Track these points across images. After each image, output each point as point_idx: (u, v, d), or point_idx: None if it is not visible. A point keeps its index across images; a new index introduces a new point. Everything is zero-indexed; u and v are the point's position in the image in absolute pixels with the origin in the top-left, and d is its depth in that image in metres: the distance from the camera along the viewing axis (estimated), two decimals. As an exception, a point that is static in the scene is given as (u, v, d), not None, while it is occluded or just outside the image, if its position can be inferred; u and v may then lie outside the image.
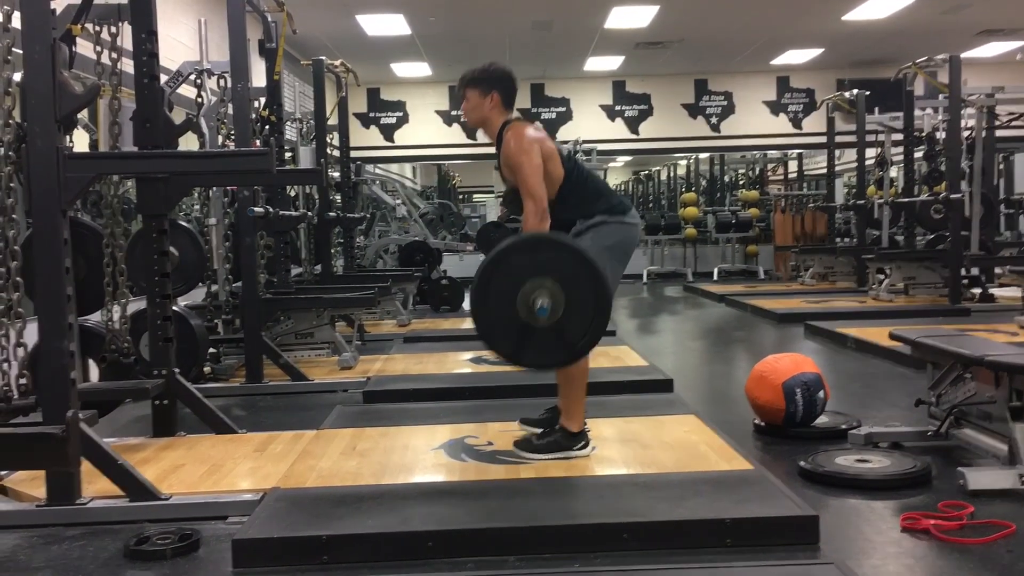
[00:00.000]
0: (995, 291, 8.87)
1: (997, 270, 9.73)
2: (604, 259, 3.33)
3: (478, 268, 3.10)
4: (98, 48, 3.94)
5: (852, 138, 11.20)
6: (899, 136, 9.90)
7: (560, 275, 3.03)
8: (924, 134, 9.82)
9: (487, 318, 3.08)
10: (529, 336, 3.05)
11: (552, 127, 14.43)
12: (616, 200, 3.63)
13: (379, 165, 13.04)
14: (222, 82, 5.75)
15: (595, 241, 3.48)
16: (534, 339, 3.05)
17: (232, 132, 5.54)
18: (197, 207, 6.44)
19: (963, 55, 8.58)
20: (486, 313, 3.08)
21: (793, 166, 16.45)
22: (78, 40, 3.80)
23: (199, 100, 5.71)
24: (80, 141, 5.13)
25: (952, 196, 8.26)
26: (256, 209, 5.30)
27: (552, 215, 3.47)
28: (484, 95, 3.59)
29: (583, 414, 3.52)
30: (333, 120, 8.65)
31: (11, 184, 3.17)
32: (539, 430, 3.63)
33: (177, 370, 4.03)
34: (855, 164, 11.19)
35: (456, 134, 14.50)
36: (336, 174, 9.03)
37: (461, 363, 5.98)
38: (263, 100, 6.11)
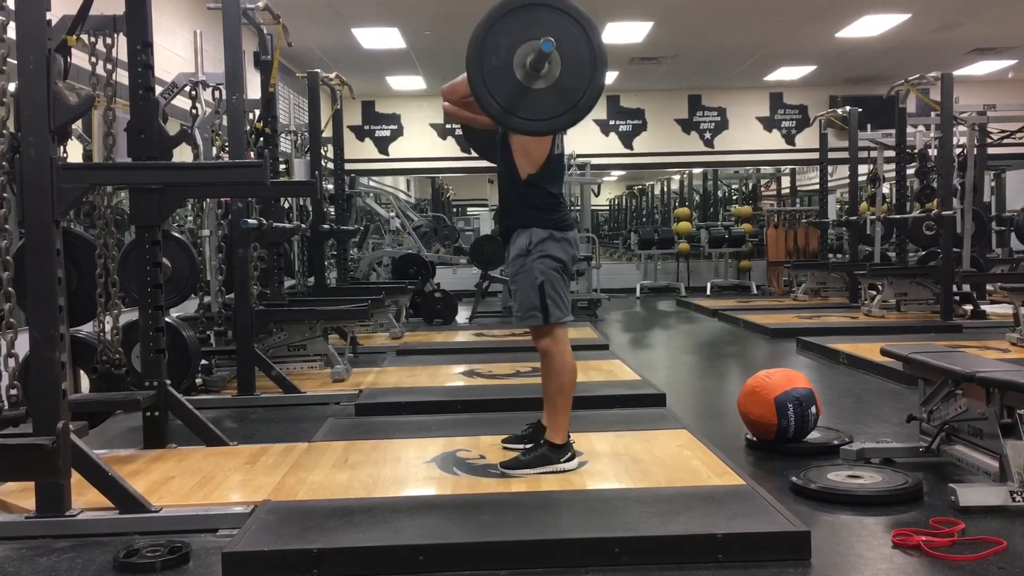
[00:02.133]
0: (987, 308, 8.91)
1: (989, 287, 9.77)
2: (556, 281, 3.45)
3: (476, 27, 3.02)
4: (93, 59, 3.94)
5: (845, 154, 11.24)
6: (891, 153, 9.95)
7: (555, 33, 2.97)
8: (916, 151, 9.87)
9: (480, 77, 3.00)
10: (525, 96, 3.00)
11: (546, 141, 14.44)
12: (565, 214, 3.64)
13: (373, 177, 13.07)
14: (217, 94, 5.75)
15: (544, 261, 3.48)
16: (531, 100, 3.00)
17: (226, 144, 5.55)
18: (191, 218, 6.44)
19: (955, 73, 8.64)
20: (481, 71, 3.00)
21: (786, 182, 16.51)
22: (73, 51, 3.80)
23: (194, 112, 5.71)
24: (74, 152, 5.13)
25: (944, 213, 8.30)
26: (250, 221, 5.31)
27: (512, 198, 3.52)
28: None
29: (567, 427, 3.51)
30: (328, 132, 8.66)
31: (4, 194, 3.16)
32: (523, 447, 3.63)
33: (168, 382, 4.01)
34: (847, 180, 11.23)
35: (450, 147, 14.53)
36: (330, 186, 9.04)
37: (454, 376, 5.98)
38: (258, 112, 6.13)
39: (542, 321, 3.49)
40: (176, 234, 5.43)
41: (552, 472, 3.41)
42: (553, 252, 3.50)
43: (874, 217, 10.34)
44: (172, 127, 5.26)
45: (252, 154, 5.68)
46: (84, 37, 3.91)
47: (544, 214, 3.52)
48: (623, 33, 10.83)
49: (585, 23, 3.05)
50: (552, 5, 3.06)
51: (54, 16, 3.20)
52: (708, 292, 13.43)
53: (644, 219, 20.24)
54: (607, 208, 25.77)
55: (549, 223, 3.52)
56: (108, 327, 4.13)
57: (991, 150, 10.55)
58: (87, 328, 4.25)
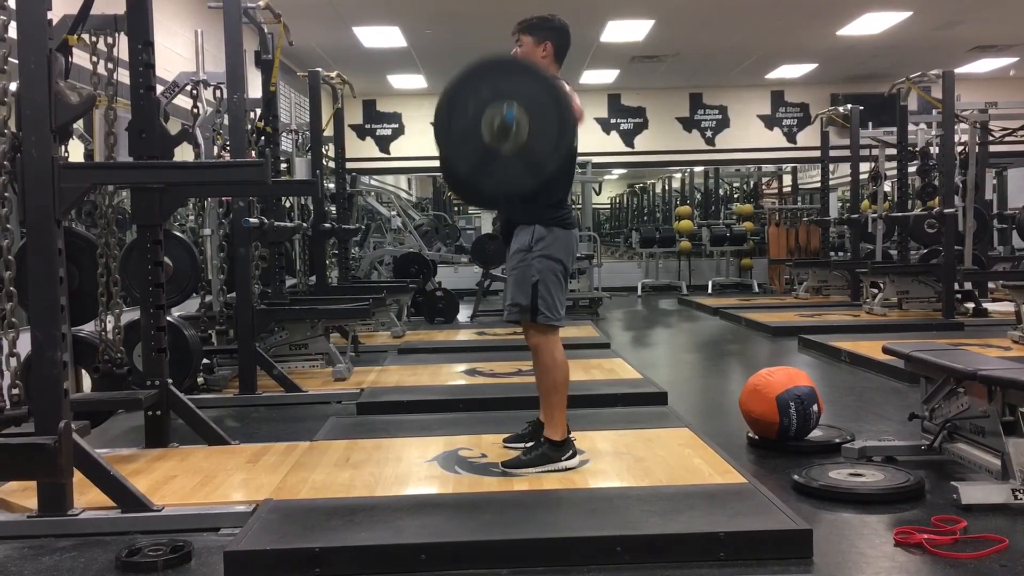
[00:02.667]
0: (988, 306, 8.90)
1: (990, 285, 9.76)
2: (551, 282, 3.46)
3: (444, 88, 3.03)
4: (94, 58, 3.94)
5: (846, 152, 11.23)
6: (893, 151, 9.94)
7: (523, 98, 2.97)
8: (918, 149, 9.86)
9: (448, 140, 3.02)
10: (492, 161, 2.98)
11: (548, 140, 14.45)
12: (568, 212, 3.65)
13: (374, 176, 13.06)
14: (218, 93, 5.76)
15: (545, 260, 3.48)
16: (498, 165, 2.99)
17: (227, 143, 5.55)
18: (192, 217, 6.44)
19: (956, 71, 8.63)
20: (447, 134, 3.01)
21: (787, 180, 16.50)
22: (74, 50, 3.80)
23: (195, 111, 5.72)
24: (75, 151, 5.14)
25: (946, 211, 8.29)
26: (251, 220, 5.30)
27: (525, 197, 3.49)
28: (539, 43, 3.58)
29: (565, 423, 3.51)
30: (329, 131, 8.66)
31: (5, 194, 3.16)
32: (524, 445, 3.63)
33: (170, 381, 4.02)
34: (849, 178, 11.23)
35: (452, 146, 14.51)
36: (331, 185, 9.04)
37: (455, 375, 5.98)
38: (259, 111, 6.13)
39: (528, 319, 3.49)
40: (177, 233, 5.44)
41: (554, 471, 3.41)
42: (554, 252, 3.49)
43: (875, 215, 10.34)
44: (173, 126, 5.27)
45: (253, 153, 5.69)
46: (85, 36, 3.91)
47: (548, 211, 3.51)
48: (624, 31, 10.83)
49: (552, 90, 3.03)
50: (523, 68, 3.08)
51: (55, 15, 3.20)
52: (709, 290, 13.42)
53: (645, 217, 20.23)
54: (608, 206, 25.76)
55: (552, 220, 3.51)
56: (110, 326, 4.14)
57: (993, 148, 10.55)
58: (89, 327, 4.25)
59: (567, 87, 3.44)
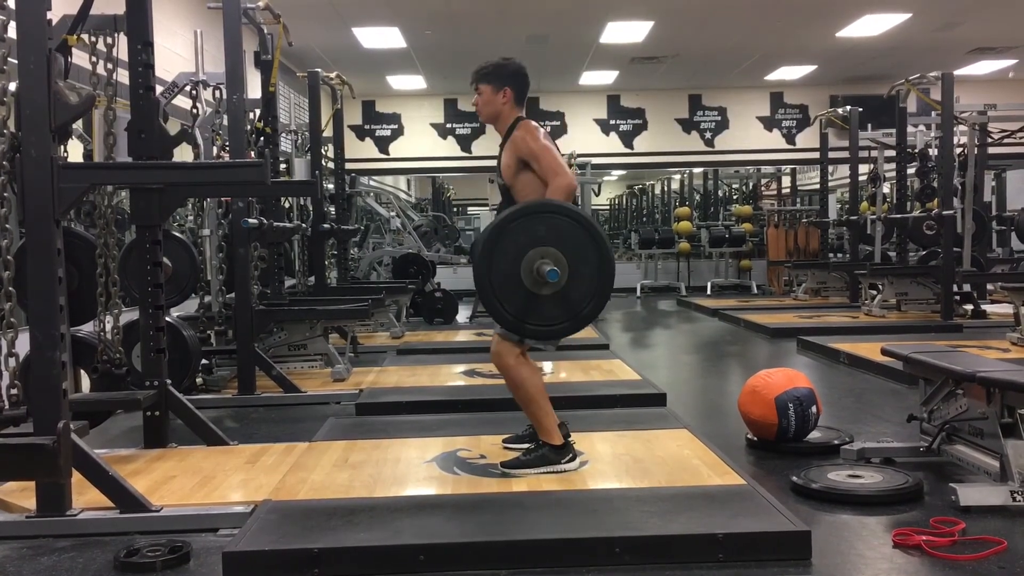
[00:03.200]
0: (987, 307, 8.90)
1: (989, 286, 9.77)
2: None
3: (482, 235, 3.09)
4: (94, 59, 3.94)
5: (845, 154, 11.24)
6: (892, 152, 9.94)
7: (564, 242, 3.03)
8: (917, 151, 9.86)
9: (490, 287, 3.07)
10: (533, 304, 3.04)
11: (547, 141, 14.45)
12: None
13: (374, 177, 13.06)
14: (217, 93, 5.75)
15: None
16: (538, 307, 3.05)
17: (227, 143, 5.55)
18: (191, 218, 6.44)
19: (955, 73, 8.64)
20: (489, 281, 3.06)
21: (786, 181, 16.51)
22: (74, 50, 3.80)
23: (194, 111, 5.72)
24: (74, 151, 5.13)
25: (944, 212, 8.29)
26: (250, 220, 5.30)
27: None
28: (497, 90, 3.63)
29: (556, 427, 3.50)
30: (328, 132, 8.66)
31: (4, 193, 3.16)
32: (525, 446, 3.63)
33: (169, 381, 4.01)
34: (848, 180, 11.23)
35: (451, 147, 14.54)
36: (330, 186, 9.04)
37: (454, 376, 5.98)
38: (258, 112, 6.13)
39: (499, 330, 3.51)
40: (177, 233, 5.43)
41: (553, 472, 3.41)
42: None
43: (874, 217, 10.34)
44: (173, 127, 5.28)
45: (252, 154, 5.69)
46: (85, 36, 3.91)
47: None
48: (624, 33, 10.84)
49: (591, 230, 3.08)
50: (558, 209, 3.12)
51: (55, 15, 3.20)
52: (708, 292, 13.43)
53: (644, 219, 20.22)
54: (607, 208, 25.75)
55: None
56: (109, 327, 4.13)
57: (991, 150, 10.56)
58: (88, 328, 4.25)
59: (544, 134, 3.52)
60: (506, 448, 3.76)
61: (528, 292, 3.04)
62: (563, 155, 3.68)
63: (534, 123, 3.60)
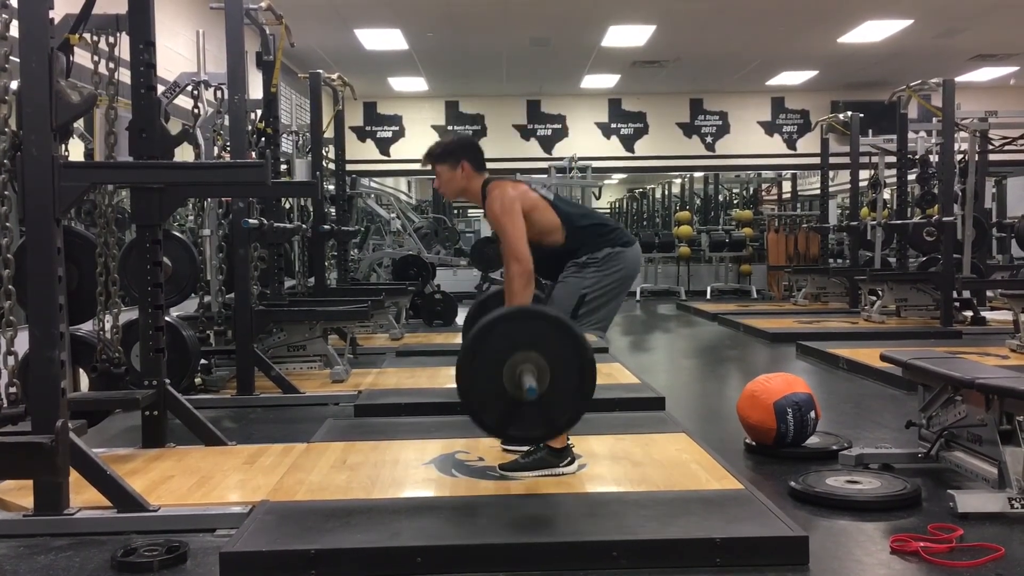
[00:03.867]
0: (987, 314, 8.90)
1: (989, 293, 9.78)
2: (610, 292, 3.57)
3: (465, 339, 3.06)
4: (96, 58, 3.95)
5: (846, 159, 11.24)
6: (892, 158, 9.95)
7: (548, 349, 2.99)
8: (917, 157, 9.87)
9: (472, 391, 3.03)
10: (513, 411, 2.99)
11: (548, 144, 14.49)
12: (615, 228, 3.74)
13: (374, 179, 13.06)
14: (219, 94, 5.76)
15: (600, 274, 3.60)
16: (518, 414, 3.00)
17: (228, 144, 5.55)
18: (191, 218, 6.44)
19: (957, 79, 8.65)
20: (471, 385, 3.02)
21: (787, 186, 16.51)
22: (76, 49, 3.80)
23: (195, 111, 5.72)
24: (75, 150, 5.14)
25: (945, 219, 8.30)
26: (251, 221, 5.31)
27: (556, 258, 3.62)
28: (454, 168, 3.69)
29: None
30: (329, 133, 8.66)
31: (5, 192, 3.16)
32: (522, 449, 3.63)
33: (168, 381, 4.01)
34: (848, 185, 11.24)
35: (452, 149, 14.52)
36: (331, 187, 9.04)
37: (453, 378, 5.96)
38: (259, 112, 6.13)
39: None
40: (177, 233, 5.43)
41: (551, 475, 3.41)
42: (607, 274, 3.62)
43: (875, 222, 10.34)
44: (174, 126, 5.28)
45: (253, 154, 5.69)
46: (87, 36, 3.91)
47: (600, 240, 3.65)
48: (626, 36, 10.84)
49: (576, 343, 3.02)
50: (541, 315, 3.11)
51: (57, 15, 3.20)
52: (708, 296, 13.43)
53: (645, 222, 20.22)
54: (608, 211, 25.77)
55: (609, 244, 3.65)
56: (108, 326, 4.13)
57: (992, 157, 10.57)
58: (87, 327, 4.25)
59: (512, 190, 3.57)
60: (504, 451, 3.75)
61: (509, 398, 2.99)
62: (560, 159, 3.71)
63: (503, 183, 3.64)
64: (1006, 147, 10.19)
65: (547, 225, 3.61)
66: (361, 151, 14.29)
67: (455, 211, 18.67)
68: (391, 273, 10.49)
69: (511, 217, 3.49)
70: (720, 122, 14.76)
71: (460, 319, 9.84)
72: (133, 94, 3.96)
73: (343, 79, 8.51)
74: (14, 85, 3.18)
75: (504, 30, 10.55)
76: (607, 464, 3.61)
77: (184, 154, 5.74)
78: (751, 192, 16.52)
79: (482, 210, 3.75)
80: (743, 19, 10.22)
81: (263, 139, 5.99)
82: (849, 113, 10.93)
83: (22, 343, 3.17)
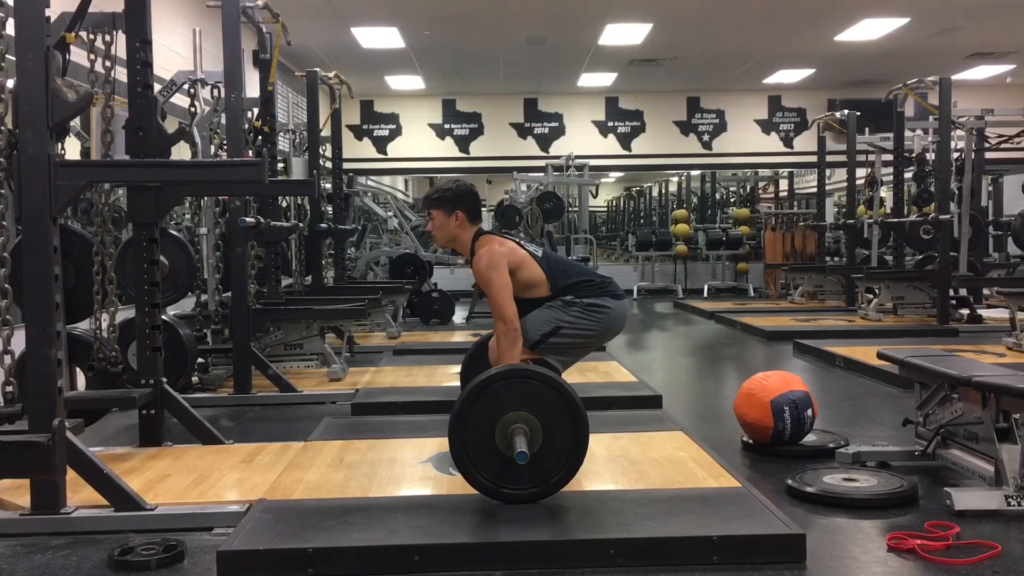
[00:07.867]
0: (983, 312, 8.92)
1: (985, 291, 9.79)
2: (584, 337, 3.67)
3: (459, 398, 3.07)
4: (92, 56, 3.94)
5: (842, 158, 11.25)
6: (889, 156, 9.96)
7: (540, 410, 3.02)
8: (914, 155, 9.88)
9: (465, 451, 3.03)
10: (506, 470, 3.00)
11: (545, 142, 14.50)
12: (604, 281, 3.78)
13: (371, 177, 13.06)
14: (216, 92, 5.75)
15: (582, 318, 3.67)
16: (511, 473, 3.01)
17: (225, 142, 5.55)
18: (188, 216, 6.43)
19: (953, 77, 8.66)
20: (464, 446, 3.02)
21: (784, 184, 16.53)
22: (72, 48, 3.80)
23: (192, 110, 5.71)
24: (72, 149, 5.13)
25: (941, 217, 8.31)
26: (247, 219, 5.30)
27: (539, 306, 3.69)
28: (448, 214, 3.73)
29: None
30: (326, 132, 8.65)
31: (1, 191, 3.16)
32: None
33: (165, 379, 4.01)
34: (845, 183, 11.25)
35: (449, 147, 14.54)
36: (328, 185, 9.04)
37: (450, 376, 5.97)
38: (256, 111, 6.12)
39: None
40: (174, 232, 5.43)
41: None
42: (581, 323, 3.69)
43: (871, 220, 10.35)
44: (170, 125, 5.26)
45: (250, 153, 5.69)
46: (83, 34, 3.91)
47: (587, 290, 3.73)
48: (622, 35, 10.84)
49: (571, 405, 3.04)
50: (536, 376, 3.10)
51: (53, 13, 3.20)
52: (705, 294, 13.44)
53: (642, 221, 20.26)
54: (605, 209, 25.78)
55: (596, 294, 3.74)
56: (105, 324, 4.13)
57: (989, 154, 10.57)
58: (84, 325, 4.25)
59: (499, 247, 3.63)
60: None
61: (503, 457, 3.01)
62: (557, 158, 3.74)
63: (491, 239, 3.70)
64: (1002, 145, 10.22)
65: (532, 279, 3.67)
66: (358, 149, 14.28)
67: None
68: (388, 271, 10.49)
69: (498, 273, 3.55)
70: (717, 120, 14.77)
71: (457, 317, 9.86)
72: (130, 92, 3.95)
73: (340, 77, 8.50)
74: (10, 83, 3.18)
75: (501, 28, 10.55)
76: (604, 462, 3.62)
77: (181, 152, 5.73)
78: (748, 190, 16.53)
79: (464, 258, 3.80)
80: (740, 17, 10.22)
81: (260, 137, 5.98)
82: (846, 111, 10.94)
83: (19, 342, 3.16)
